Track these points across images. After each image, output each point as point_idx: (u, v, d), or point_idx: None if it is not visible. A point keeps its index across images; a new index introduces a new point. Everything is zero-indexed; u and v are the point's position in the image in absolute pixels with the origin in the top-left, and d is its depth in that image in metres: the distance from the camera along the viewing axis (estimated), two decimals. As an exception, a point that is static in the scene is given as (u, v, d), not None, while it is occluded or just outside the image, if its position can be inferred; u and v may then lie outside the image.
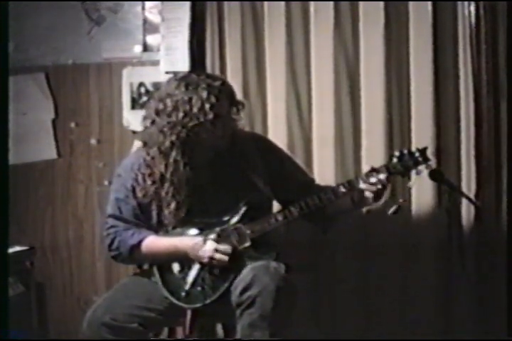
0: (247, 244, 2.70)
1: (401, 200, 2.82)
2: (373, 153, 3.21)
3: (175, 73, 3.21)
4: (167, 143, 2.67)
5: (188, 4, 3.36)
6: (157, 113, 2.69)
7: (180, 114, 2.64)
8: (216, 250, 2.67)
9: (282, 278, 2.55)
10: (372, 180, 2.67)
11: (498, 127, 3.18)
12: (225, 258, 2.67)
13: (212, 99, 2.63)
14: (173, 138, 2.66)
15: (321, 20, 3.25)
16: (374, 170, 2.69)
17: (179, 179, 2.71)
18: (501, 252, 3.14)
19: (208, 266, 2.69)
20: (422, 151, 2.70)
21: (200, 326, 2.81)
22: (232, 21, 3.34)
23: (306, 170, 3.05)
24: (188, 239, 2.72)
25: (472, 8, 3.16)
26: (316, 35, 3.27)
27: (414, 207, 3.22)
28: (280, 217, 2.72)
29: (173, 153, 2.68)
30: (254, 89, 3.35)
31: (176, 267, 2.76)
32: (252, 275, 2.55)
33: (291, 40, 3.30)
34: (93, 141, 3.56)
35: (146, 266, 2.88)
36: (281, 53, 3.30)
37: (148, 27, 3.47)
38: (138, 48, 3.49)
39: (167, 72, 3.35)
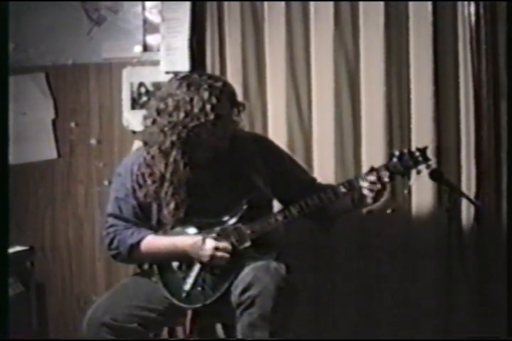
0: (247, 244, 2.70)
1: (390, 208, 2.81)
2: (373, 153, 3.21)
3: (175, 73, 3.22)
4: (167, 143, 2.67)
5: (188, 4, 3.36)
6: (158, 112, 2.69)
7: (181, 114, 2.64)
8: (217, 248, 2.67)
9: (282, 278, 2.55)
10: (372, 179, 2.67)
11: (498, 127, 3.18)
12: (226, 255, 2.67)
13: (214, 100, 2.63)
14: (174, 138, 2.65)
15: (321, 20, 3.25)
16: (374, 170, 2.69)
17: (179, 179, 2.71)
18: (501, 252, 3.13)
19: (209, 264, 2.69)
20: (423, 151, 2.70)
21: (200, 326, 2.81)
22: (232, 21, 3.34)
23: (307, 169, 3.05)
24: (188, 238, 2.72)
25: (472, 8, 3.16)
26: (316, 35, 3.27)
27: (414, 207, 3.22)
28: (280, 217, 2.72)
29: (174, 153, 2.68)
30: (254, 89, 3.35)
31: (176, 267, 2.76)
32: (253, 275, 2.55)
33: (291, 40, 3.30)
34: (93, 141, 3.55)
35: (146, 266, 2.88)
36: (281, 53, 3.29)
37: (148, 27, 3.47)
38: (138, 48, 3.48)
39: (167, 72, 3.36)
